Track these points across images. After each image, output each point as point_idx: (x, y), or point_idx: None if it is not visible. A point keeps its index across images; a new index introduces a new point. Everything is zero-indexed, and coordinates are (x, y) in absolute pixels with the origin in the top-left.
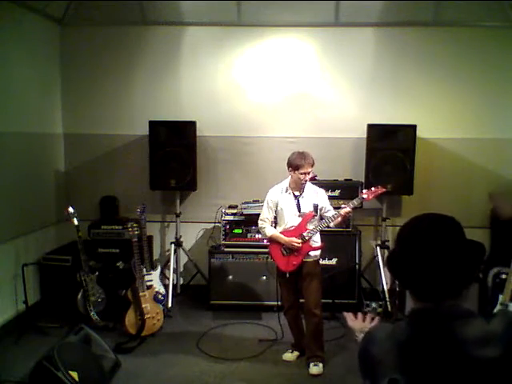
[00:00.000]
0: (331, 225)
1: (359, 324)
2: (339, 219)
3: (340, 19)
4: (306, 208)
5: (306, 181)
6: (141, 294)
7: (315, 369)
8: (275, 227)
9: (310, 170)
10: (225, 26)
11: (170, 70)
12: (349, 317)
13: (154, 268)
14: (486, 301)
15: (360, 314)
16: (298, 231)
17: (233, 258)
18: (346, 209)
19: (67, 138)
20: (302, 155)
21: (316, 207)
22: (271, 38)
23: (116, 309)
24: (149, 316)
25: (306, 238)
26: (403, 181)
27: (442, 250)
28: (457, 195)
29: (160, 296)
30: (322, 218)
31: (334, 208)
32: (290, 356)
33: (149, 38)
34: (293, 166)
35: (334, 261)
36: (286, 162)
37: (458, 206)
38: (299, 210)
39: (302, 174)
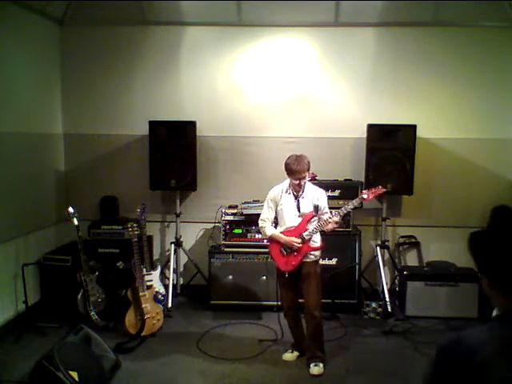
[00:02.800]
0: (324, 229)
1: None
2: (329, 226)
3: (340, 19)
4: (306, 208)
5: (300, 186)
6: (141, 294)
7: (316, 369)
8: (276, 227)
9: (303, 175)
10: (225, 26)
11: (170, 70)
12: None
13: (154, 268)
14: (485, 301)
15: None
16: (297, 231)
17: (233, 257)
18: (335, 218)
19: (67, 137)
20: (296, 161)
21: (316, 208)
22: (271, 38)
23: (116, 309)
24: (149, 316)
25: (306, 238)
26: (403, 181)
27: None
28: (457, 195)
29: (160, 296)
30: (319, 219)
31: (334, 208)
32: (289, 356)
33: (149, 38)
34: (286, 170)
35: (334, 261)
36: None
37: (458, 206)
38: (299, 211)
39: (295, 179)
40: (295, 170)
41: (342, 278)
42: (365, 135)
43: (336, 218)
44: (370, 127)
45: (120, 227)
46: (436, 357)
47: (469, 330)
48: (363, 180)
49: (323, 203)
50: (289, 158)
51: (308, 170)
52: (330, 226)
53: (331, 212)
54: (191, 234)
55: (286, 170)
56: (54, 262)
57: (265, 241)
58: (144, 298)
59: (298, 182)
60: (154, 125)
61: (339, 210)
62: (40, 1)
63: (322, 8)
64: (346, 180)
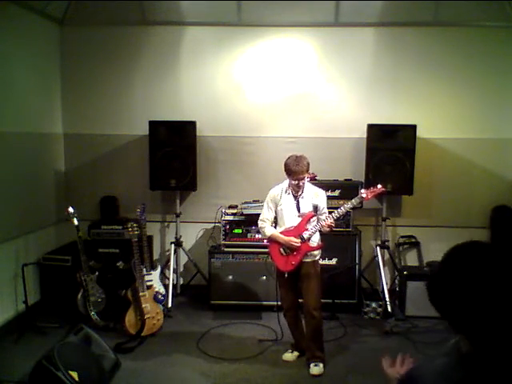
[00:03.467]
0: (322, 229)
1: (396, 370)
2: (326, 228)
3: (340, 19)
4: (306, 208)
5: (299, 186)
6: (141, 294)
7: (316, 369)
8: (275, 227)
9: (302, 176)
10: (225, 26)
11: (170, 70)
12: (385, 363)
13: (154, 268)
14: None
15: (398, 360)
16: (297, 231)
17: (233, 257)
18: (328, 220)
19: (67, 138)
20: (295, 161)
21: (316, 208)
22: (271, 38)
23: (116, 309)
24: (149, 316)
25: (305, 238)
26: (403, 181)
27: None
28: (457, 195)
29: (160, 296)
30: (318, 219)
31: (334, 208)
32: (289, 356)
33: (149, 38)
34: (286, 171)
35: (333, 261)
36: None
37: (458, 206)
38: (299, 211)
39: (294, 179)
40: (294, 170)
41: (341, 278)
42: (365, 135)
43: (332, 220)
44: (370, 127)
45: (120, 227)
46: None
47: (423, 367)
48: (363, 180)
49: (322, 203)
50: (288, 158)
51: (307, 171)
52: (327, 228)
53: (330, 213)
54: (191, 234)
55: (286, 170)
56: (54, 262)
57: (265, 241)
58: (144, 298)
59: (296, 182)
60: (153, 125)
61: (338, 210)
62: (40, 1)
63: (321, 8)
64: (346, 180)
